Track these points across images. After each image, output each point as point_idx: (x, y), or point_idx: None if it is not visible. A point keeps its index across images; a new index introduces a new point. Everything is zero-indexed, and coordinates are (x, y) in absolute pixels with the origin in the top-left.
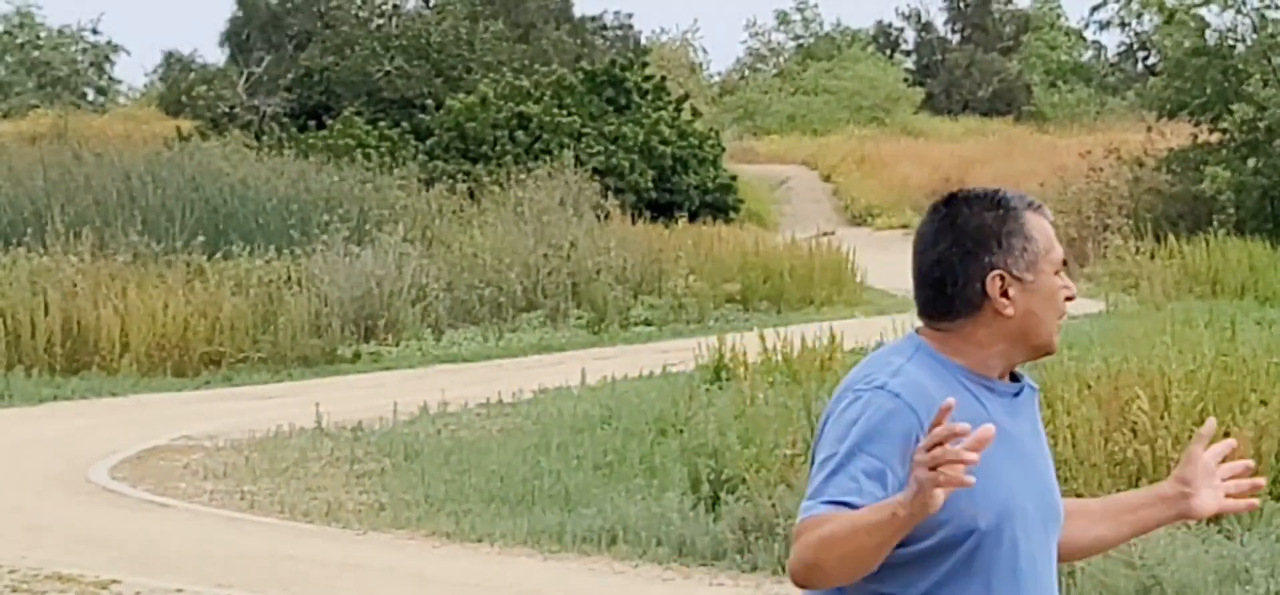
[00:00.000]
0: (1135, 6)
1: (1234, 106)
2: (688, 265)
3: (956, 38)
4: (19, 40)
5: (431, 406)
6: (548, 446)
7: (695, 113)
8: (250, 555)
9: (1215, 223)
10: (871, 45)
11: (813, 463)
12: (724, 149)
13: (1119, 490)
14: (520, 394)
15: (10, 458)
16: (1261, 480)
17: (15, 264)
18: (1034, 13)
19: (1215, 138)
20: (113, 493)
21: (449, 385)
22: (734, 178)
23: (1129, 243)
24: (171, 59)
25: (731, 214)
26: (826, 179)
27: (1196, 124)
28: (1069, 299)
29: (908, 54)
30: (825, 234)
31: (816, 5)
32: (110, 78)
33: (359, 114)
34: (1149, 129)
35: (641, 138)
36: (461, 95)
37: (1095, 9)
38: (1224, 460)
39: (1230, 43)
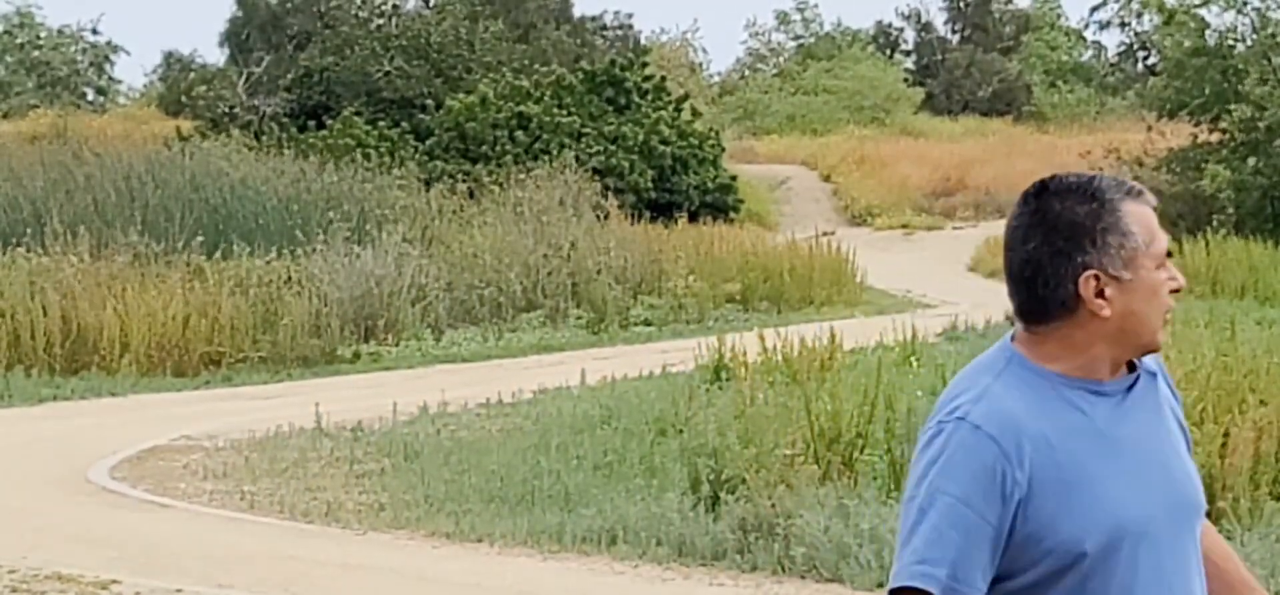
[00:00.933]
0: (1135, 6)
1: (1234, 106)
2: (687, 265)
3: (956, 38)
4: (19, 40)
5: (431, 406)
6: (547, 446)
7: (695, 113)
8: (250, 555)
9: (1215, 222)
10: (871, 45)
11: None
12: (724, 149)
13: None
14: (520, 394)
15: (10, 458)
16: None
17: (15, 264)
18: (1034, 13)
19: (1215, 137)
20: (113, 493)
21: (449, 385)
22: (734, 178)
23: None
24: (171, 59)
25: (731, 214)
26: (826, 179)
27: (1196, 124)
28: (1175, 292)
29: (908, 54)
30: (825, 234)
31: (816, 5)
32: (110, 78)
33: (359, 114)
34: (1149, 129)
35: (641, 138)
36: (461, 95)
37: (1095, 9)
38: None
39: (1230, 43)
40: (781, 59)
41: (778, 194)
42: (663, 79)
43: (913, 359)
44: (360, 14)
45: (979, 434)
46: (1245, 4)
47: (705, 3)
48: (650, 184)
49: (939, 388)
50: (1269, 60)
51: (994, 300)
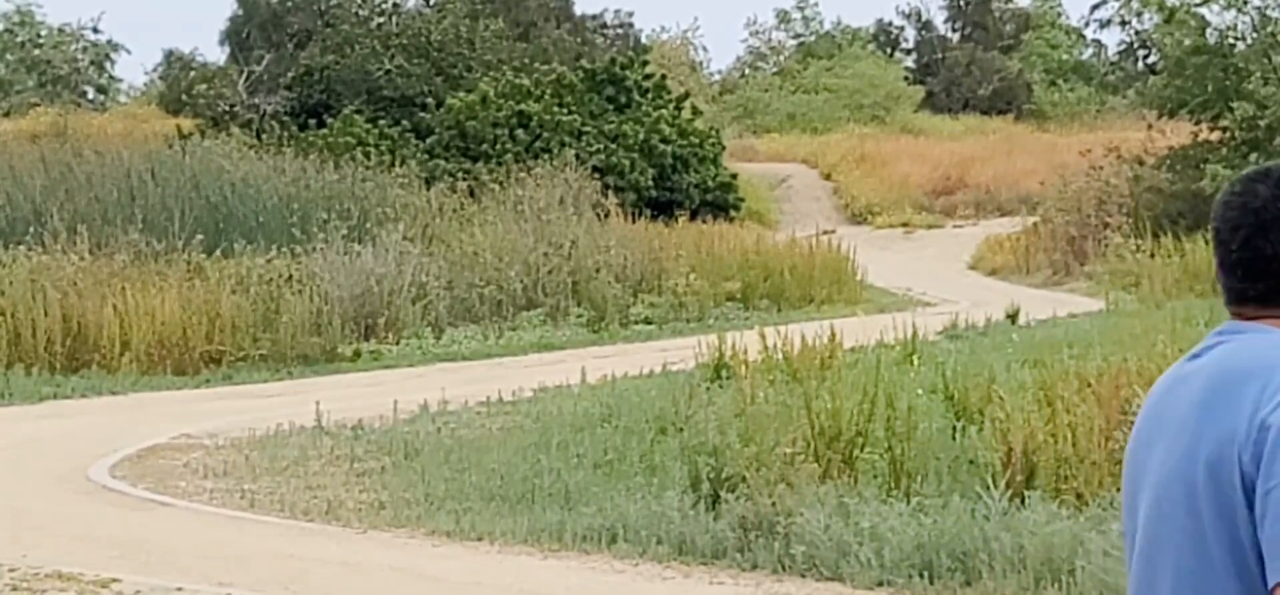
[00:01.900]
0: (1135, 5)
1: (1234, 105)
2: (688, 264)
3: (957, 36)
4: (19, 39)
5: (432, 405)
6: (548, 445)
7: (695, 111)
8: (250, 554)
9: None
10: (872, 44)
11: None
12: (724, 148)
13: (1119, 489)
14: (520, 392)
15: (10, 457)
16: None
17: (15, 263)
18: (1034, 11)
19: (1215, 136)
20: (113, 491)
21: (449, 383)
22: (734, 176)
23: (1129, 241)
24: (172, 57)
25: (732, 212)
26: (827, 177)
27: (1197, 122)
28: None
29: (908, 52)
30: (825, 232)
31: (817, 4)
32: (111, 76)
33: (359, 112)
34: (1149, 127)
35: (642, 136)
36: (462, 94)
37: (1095, 7)
38: None
39: (1230, 41)
40: (782, 57)
41: (778, 192)
42: (663, 77)
43: (913, 357)
44: (361, 12)
45: None
46: (1246, 3)
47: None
48: (651, 182)
49: (939, 386)
50: (1269, 58)
51: (994, 298)
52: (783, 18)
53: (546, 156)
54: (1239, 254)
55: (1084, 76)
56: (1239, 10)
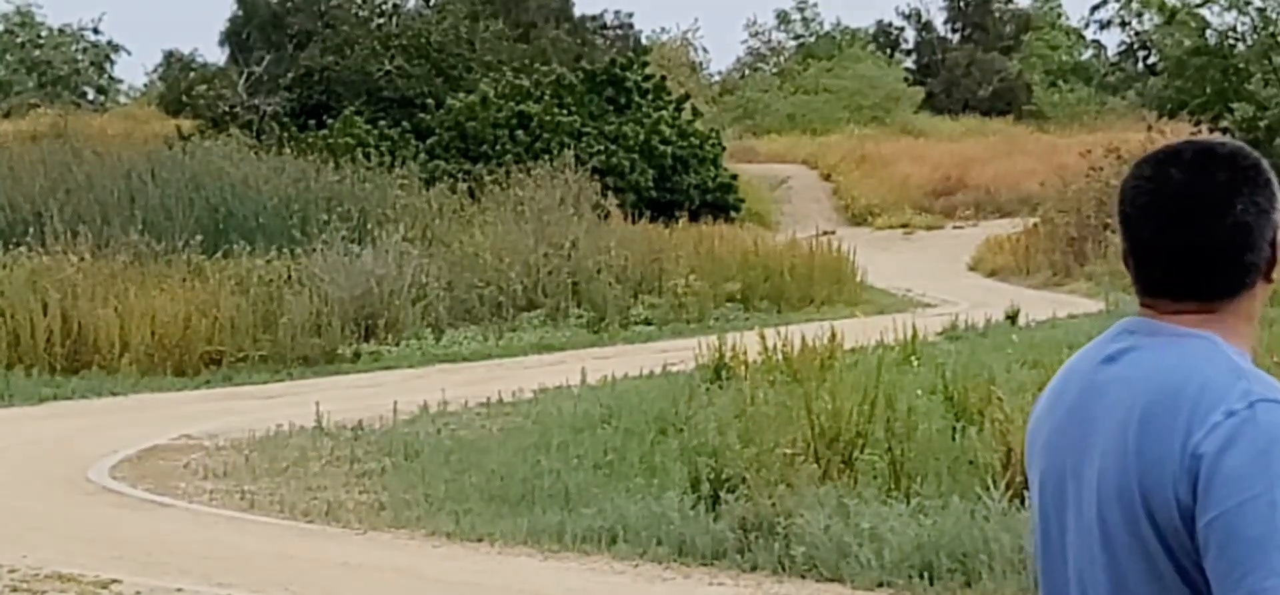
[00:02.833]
0: (1135, 6)
1: (1234, 105)
2: (688, 265)
3: (956, 37)
4: (19, 39)
5: (431, 406)
6: (548, 446)
7: (695, 112)
8: (250, 554)
9: None
10: (872, 45)
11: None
12: (724, 148)
13: None
14: (520, 393)
15: (10, 458)
16: None
17: (15, 264)
18: (1034, 12)
19: (1215, 137)
20: (113, 492)
21: (449, 385)
22: (734, 177)
23: None
24: (172, 58)
25: (732, 213)
26: (826, 178)
27: (1197, 123)
28: None
29: (908, 53)
30: (825, 233)
31: (816, 5)
32: (110, 77)
33: (359, 113)
34: (1149, 128)
35: (642, 137)
36: (462, 94)
37: (1095, 8)
38: None
39: (1231, 42)
40: (782, 58)
41: (778, 193)
42: (663, 78)
43: (913, 358)
44: (361, 13)
45: None
46: (1247, 3)
47: (705, 2)
48: (651, 183)
49: (939, 387)
50: (1269, 59)
51: (994, 299)
52: (783, 19)
53: (546, 157)
54: (1154, 243)
55: (1084, 77)
56: (1239, 11)
